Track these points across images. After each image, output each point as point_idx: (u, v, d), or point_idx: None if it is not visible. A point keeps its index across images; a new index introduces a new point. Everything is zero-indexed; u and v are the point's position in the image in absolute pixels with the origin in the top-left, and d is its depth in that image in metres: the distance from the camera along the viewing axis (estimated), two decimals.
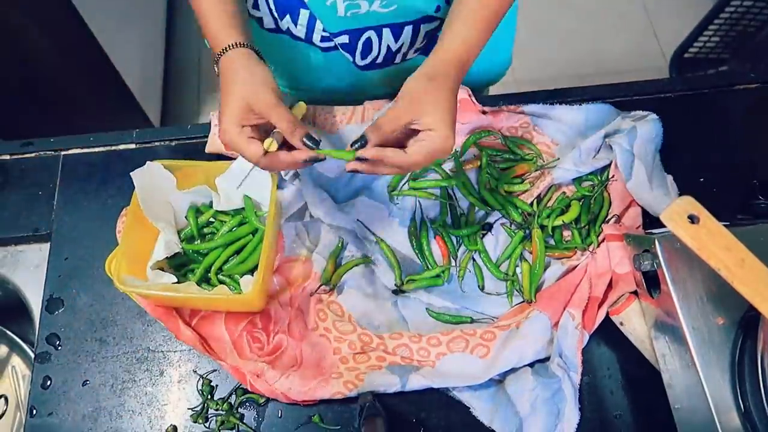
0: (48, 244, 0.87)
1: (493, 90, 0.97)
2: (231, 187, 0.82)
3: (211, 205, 0.84)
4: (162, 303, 0.79)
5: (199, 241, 0.83)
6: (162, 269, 0.80)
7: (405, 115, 0.66)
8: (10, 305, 0.89)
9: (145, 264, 0.78)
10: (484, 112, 0.90)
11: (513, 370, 0.76)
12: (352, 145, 0.66)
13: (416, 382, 0.75)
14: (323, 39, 0.87)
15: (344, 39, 0.86)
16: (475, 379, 0.74)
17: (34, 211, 0.90)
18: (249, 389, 0.76)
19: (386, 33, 0.86)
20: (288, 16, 0.84)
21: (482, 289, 0.83)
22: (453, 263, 0.84)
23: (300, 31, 0.86)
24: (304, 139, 0.67)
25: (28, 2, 1.32)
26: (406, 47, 0.90)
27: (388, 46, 0.88)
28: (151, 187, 0.78)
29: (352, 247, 0.85)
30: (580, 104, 0.90)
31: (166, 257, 0.80)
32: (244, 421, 0.76)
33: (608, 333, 0.78)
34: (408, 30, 0.86)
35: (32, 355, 0.80)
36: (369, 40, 0.87)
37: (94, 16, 1.53)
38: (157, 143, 0.95)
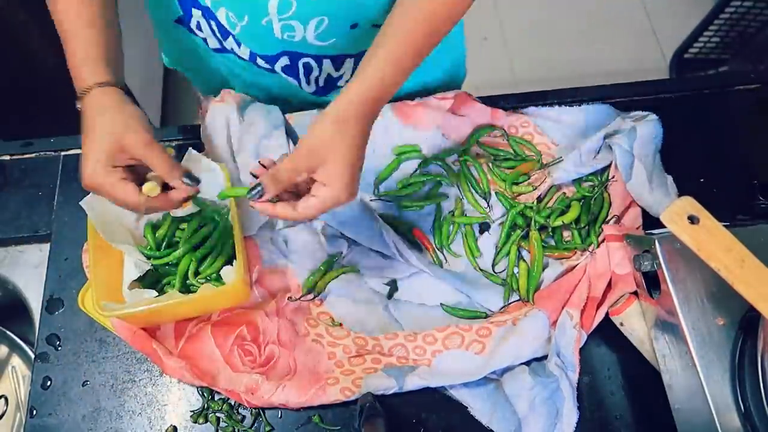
0: (48, 244, 0.87)
1: (493, 90, 0.97)
2: None
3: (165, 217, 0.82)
4: (150, 321, 0.76)
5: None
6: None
7: (303, 166, 0.62)
8: (10, 305, 0.89)
9: (120, 292, 0.76)
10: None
11: (510, 369, 0.76)
12: (249, 192, 0.62)
13: (413, 383, 0.75)
14: (267, 60, 0.83)
15: (285, 61, 0.83)
16: (470, 376, 0.74)
17: (34, 211, 0.90)
18: (247, 406, 0.76)
19: (326, 63, 0.84)
20: (231, 38, 0.81)
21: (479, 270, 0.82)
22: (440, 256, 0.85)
23: (244, 52, 0.83)
24: (185, 179, 0.65)
25: (29, 2, 1.32)
26: (349, 75, 0.86)
27: (329, 74, 0.86)
28: (105, 212, 0.75)
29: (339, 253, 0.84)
30: (580, 105, 0.90)
31: (140, 278, 0.78)
32: (244, 422, 0.76)
33: (608, 334, 0.78)
34: (349, 62, 0.83)
35: (32, 355, 0.80)
36: (308, 65, 0.84)
37: None
38: None
